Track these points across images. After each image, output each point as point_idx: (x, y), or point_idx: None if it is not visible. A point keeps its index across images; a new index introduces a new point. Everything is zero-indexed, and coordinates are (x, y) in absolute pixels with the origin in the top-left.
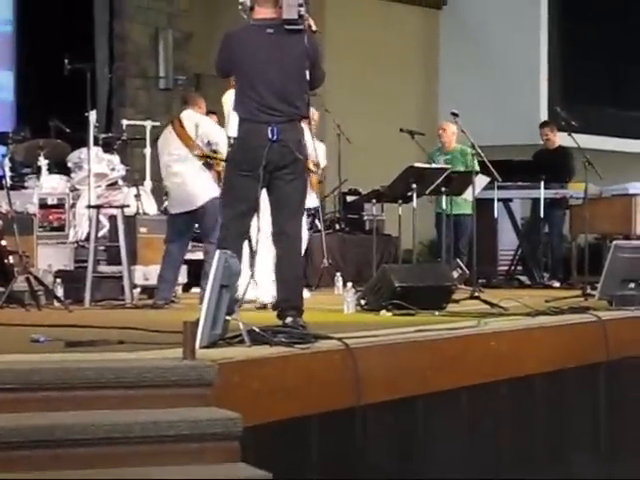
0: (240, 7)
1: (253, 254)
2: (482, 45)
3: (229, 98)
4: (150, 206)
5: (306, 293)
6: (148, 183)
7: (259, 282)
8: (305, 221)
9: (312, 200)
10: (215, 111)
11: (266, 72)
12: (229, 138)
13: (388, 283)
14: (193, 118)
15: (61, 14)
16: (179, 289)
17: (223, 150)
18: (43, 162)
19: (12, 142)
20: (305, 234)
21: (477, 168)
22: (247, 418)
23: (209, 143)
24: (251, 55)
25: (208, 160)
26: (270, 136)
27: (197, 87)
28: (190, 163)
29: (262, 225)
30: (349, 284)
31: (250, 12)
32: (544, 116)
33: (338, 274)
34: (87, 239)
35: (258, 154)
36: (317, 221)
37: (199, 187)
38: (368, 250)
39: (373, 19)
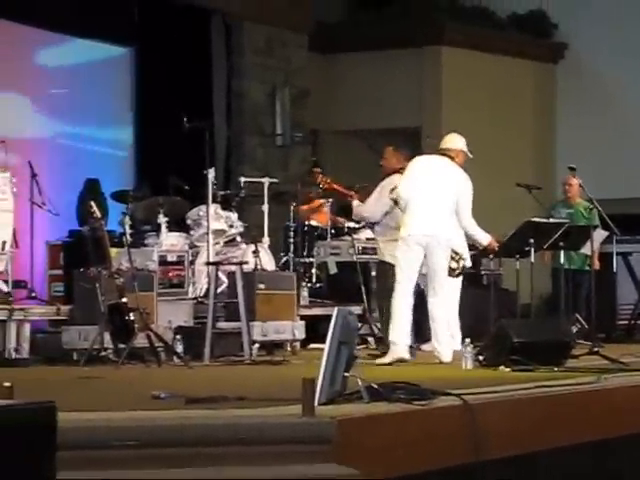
0: None
1: None
2: (600, 98)
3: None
4: (268, 262)
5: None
6: (266, 239)
7: (440, 340)
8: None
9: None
10: None
11: None
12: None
13: (506, 338)
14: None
15: (180, 73)
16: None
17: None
18: (162, 219)
19: (132, 200)
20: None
21: (596, 222)
22: (366, 475)
23: None
24: None
25: None
26: None
27: (314, 144)
28: None
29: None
30: (467, 339)
31: None
32: None
33: None
34: (206, 295)
35: None
36: None
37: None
38: (486, 305)
39: (489, 74)
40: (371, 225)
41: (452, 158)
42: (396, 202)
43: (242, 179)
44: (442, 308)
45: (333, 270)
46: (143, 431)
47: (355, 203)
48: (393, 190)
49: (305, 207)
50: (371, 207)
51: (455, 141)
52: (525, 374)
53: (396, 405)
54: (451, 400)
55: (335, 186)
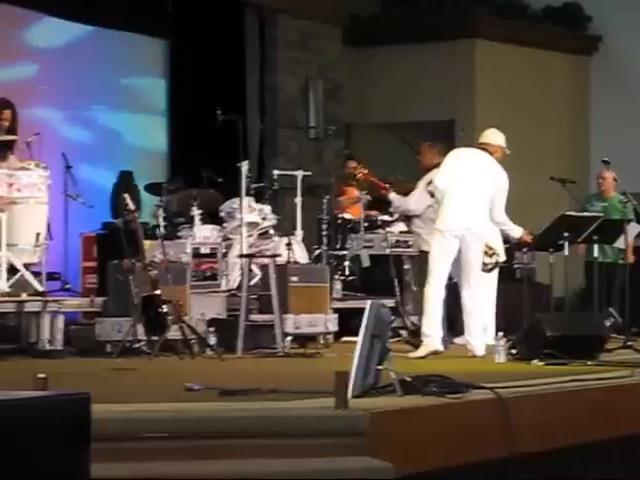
0: None
1: None
2: (634, 90)
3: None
4: (301, 255)
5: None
6: (299, 232)
7: (473, 333)
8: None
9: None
10: None
11: None
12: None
13: (540, 332)
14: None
15: (213, 65)
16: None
17: None
18: (196, 212)
19: (166, 192)
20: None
21: (631, 216)
22: (399, 468)
23: None
24: None
25: None
26: None
27: (347, 137)
28: None
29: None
30: (500, 333)
31: None
32: None
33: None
34: (239, 288)
35: None
36: None
37: None
38: (519, 299)
39: (522, 67)
40: (405, 218)
41: (491, 153)
42: (432, 194)
43: (275, 172)
44: (476, 301)
45: (366, 263)
46: (176, 423)
47: (392, 196)
48: (430, 183)
49: (342, 198)
50: (416, 201)
51: (495, 136)
52: (558, 368)
53: (429, 398)
54: (484, 394)
55: (372, 178)
